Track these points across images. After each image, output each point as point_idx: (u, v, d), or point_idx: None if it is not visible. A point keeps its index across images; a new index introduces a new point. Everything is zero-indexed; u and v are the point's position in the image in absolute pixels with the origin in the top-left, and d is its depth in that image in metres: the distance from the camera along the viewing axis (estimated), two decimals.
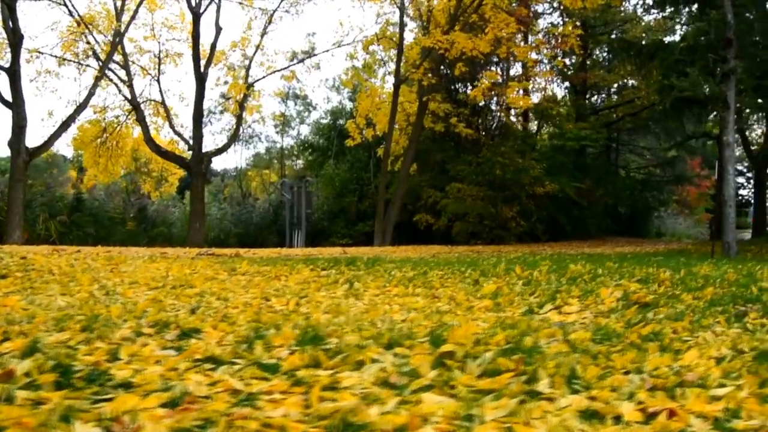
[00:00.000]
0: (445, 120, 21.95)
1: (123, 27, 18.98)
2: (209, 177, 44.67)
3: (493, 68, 25.20)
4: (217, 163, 74.22)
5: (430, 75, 18.97)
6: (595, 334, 2.74)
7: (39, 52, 19.46)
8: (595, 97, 31.69)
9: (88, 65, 20.37)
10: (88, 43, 19.72)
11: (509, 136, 24.06)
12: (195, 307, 3.72)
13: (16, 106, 16.34)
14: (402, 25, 21.19)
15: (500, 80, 23.84)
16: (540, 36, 24.74)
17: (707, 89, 10.52)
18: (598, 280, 5.17)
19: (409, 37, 23.56)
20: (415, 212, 23.47)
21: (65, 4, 19.13)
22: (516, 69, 25.12)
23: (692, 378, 2.07)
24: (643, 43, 14.05)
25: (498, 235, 21.91)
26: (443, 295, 4.45)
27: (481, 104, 23.91)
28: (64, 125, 17.84)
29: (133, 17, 19.51)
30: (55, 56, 20.37)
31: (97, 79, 18.31)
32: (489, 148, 22.42)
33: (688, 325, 3.09)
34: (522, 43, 22.38)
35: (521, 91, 22.48)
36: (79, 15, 19.74)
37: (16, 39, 16.58)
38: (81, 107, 18.18)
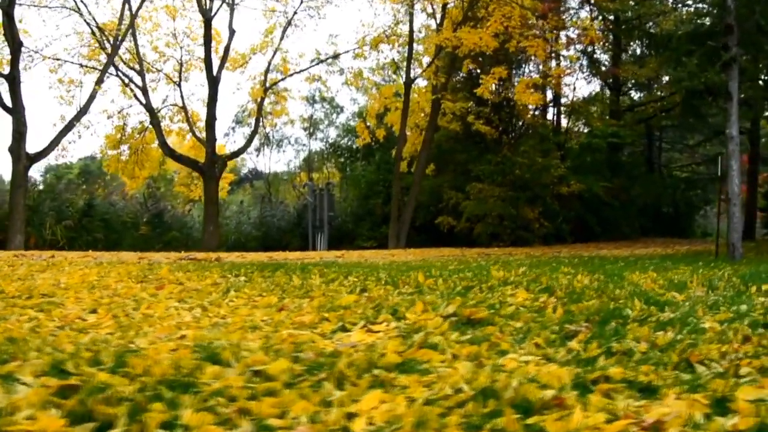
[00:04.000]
0: (462, 118, 21.30)
1: (122, 33, 19.08)
2: (252, 181, 45.03)
3: (527, 65, 24.44)
4: (265, 168, 74.99)
5: (440, 74, 18.41)
6: (316, 362, 2.26)
7: (57, 59, 19.84)
8: (633, 93, 30.40)
9: (109, 73, 20.56)
10: (103, 49, 19.88)
11: (534, 134, 23.21)
12: None
13: (16, 112, 16.56)
14: (411, 23, 20.69)
15: (531, 76, 23.04)
16: (570, 32, 23.85)
17: (703, 79, 9.66)
18: (499, 289, 4.62)
19: (422, 35, 23.04)
20: (438, 214, 22.88)
21: (79, 11, 19.39)
22: (550, 65, 24.28)
23: None
24: (654, 33, 13.18)
25: (521, 237, 21.10)
26: (296, 307, 4.01)
27: (506, 101, 23.14)
28: (65, 130, 18.00)
29: (131, 24, 19.51)
30: (78, 64, 20.75)
31: (98, 82, 18.43)
32: (510, 147, 21.66)
33: (478, 349, 2.56)
34: (550, 38, 21.55)
35: (543, 87, 21.67)
36: (96, 22, 19.99)
37: (15, 46, 16.83)
38: (81, 112, 18.27)
